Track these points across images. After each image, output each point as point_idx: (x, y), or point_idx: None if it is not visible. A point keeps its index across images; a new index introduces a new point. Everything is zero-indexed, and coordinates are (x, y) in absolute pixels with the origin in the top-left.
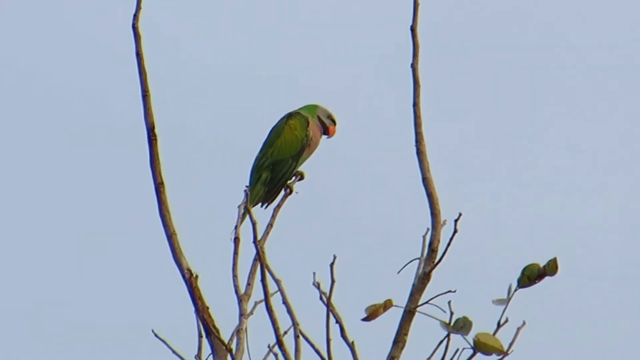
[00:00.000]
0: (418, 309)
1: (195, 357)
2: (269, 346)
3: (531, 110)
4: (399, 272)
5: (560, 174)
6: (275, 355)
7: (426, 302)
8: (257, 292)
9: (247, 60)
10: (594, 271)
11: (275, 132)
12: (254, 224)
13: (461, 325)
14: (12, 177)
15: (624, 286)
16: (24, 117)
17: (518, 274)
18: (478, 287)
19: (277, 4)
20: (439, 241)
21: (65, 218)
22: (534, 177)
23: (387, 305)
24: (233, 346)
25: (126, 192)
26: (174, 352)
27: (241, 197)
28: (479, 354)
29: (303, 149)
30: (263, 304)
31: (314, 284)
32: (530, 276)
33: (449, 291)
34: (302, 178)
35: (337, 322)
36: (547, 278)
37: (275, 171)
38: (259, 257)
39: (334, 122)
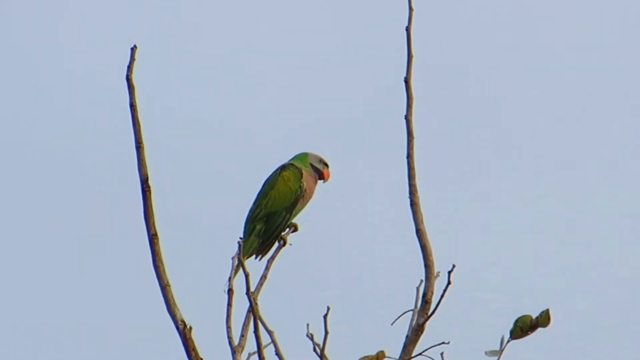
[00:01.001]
0: None
1: None
2: None
3: (523, 159)
4: (392, 324)
5: (553, 222)
6: None
7: (420, 354)
8: (250, 344)
9: (239, 112)
10: (587, 321)
11: (269, 184)
12: (247, 276)
13: None
14: (9, 226)
15: (620, 335)
16: (16, 169)
17: (511, 326)
18: (471, 338)
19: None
20: (432, 293)
21: (60, 269)
22: (528, 228)
23: (380, 356)
24: None
25: (120, 244)
26: None
27: (235, 248)
28: None
29: (297, 200)
30: (256, 355)
31: (307, 335)
32: (523, 328)
33: (443, 342)
34: (295, 230)
35: None
36: (539, 329)
37: (269, 223)
38: (252, 309)
39: (326, 165)
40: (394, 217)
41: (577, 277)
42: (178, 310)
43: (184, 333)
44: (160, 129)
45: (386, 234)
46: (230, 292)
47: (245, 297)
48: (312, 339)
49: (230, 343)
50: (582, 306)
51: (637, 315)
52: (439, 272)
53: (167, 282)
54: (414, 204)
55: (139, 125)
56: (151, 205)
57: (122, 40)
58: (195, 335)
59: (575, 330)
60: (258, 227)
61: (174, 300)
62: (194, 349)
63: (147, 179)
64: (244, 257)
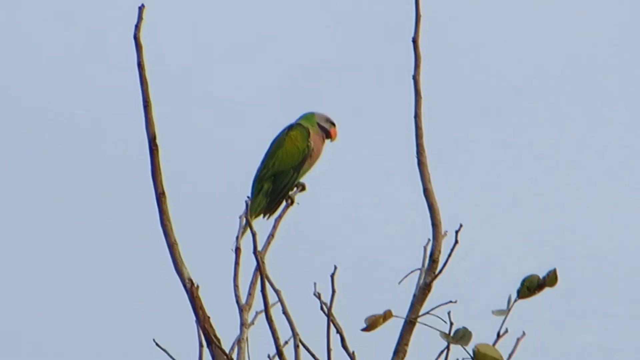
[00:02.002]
0: (418, 319)
1: None
2: (269, 356)
3: (536, 117)
4: (400, 283)
5: (563, 184)
6: None
7: (426, 313)
8: (257, 302)
9: (251, 68)
10: (594, 282)
11: (277, 144)
12: (254, 235)
13: (461, 336)
14: (12, 181)
15: (626, 297)
16: (20, 127)
17: (518, 285)
18: (478, 298)
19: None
20: (439, 252)
21: (67, 228)
22: (536, 188)
23: (386, 316)
24: (234, 356)
25: (128, 203)
26: None
27: (242, 207)
28: None
29: (304, 160)
30: (263, 314)
31: (314, 294)
32: (530, 287)
33: (450, 302)
34: (303, 189)
35: (337, 332)
36: (546, 289)
37: (276, 182)
38: (259, 268)
39: (333, 124)
40: (401, 177)
41: (587, 236)
42: (185, 268)
43: (192, 291)
44: (167, 87)
45: (393, 193)
46: (237, 250)
47: (253, 256)
48: (319, 298)
49: (237, 301)
50: (589, 267)
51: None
52: (447, 231)
53: (175, 241)
54: (421, 164)
55: (147, 84)
56: (159, 164)
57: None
58: (202, 294)
59: (582, 289)
60: (266, 186)
61: (181, 258)
62: (201, 307)
63: (154, 137)
64: (251, 217)
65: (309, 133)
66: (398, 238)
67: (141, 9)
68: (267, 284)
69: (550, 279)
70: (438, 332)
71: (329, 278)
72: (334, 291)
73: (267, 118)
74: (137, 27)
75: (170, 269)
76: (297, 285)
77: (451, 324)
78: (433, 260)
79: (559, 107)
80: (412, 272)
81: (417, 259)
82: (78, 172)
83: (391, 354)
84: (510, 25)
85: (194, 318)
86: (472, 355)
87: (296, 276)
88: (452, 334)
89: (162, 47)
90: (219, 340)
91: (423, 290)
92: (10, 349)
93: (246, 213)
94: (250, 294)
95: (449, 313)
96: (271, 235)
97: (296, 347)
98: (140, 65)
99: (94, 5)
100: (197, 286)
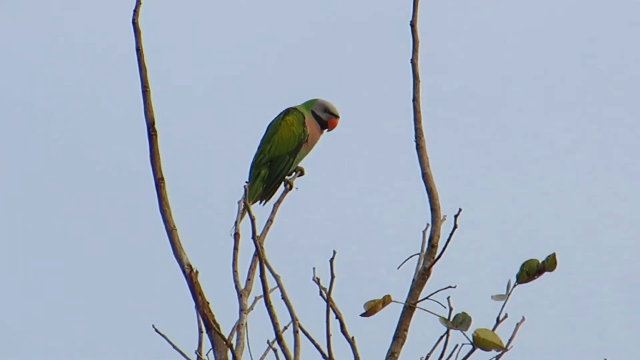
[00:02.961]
0: (418, 304)
1: (196, 353)
2: (268, 342)
3: (535, 105)
4: (398, 268)
5: (561, 168)
6: (275, 350)
7: (426, 298)
8: (257, 288)
9: (249, 55)
10: (593, 267)
11: (272, 129)
12: (252, 220)
13: (460, 321)
14: (12, 166)
15: (624, 282)
16: (19, 114)
17: (517, 270)
18: (477, 282)
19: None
20: (438, 237)
21: (67, 215)
22: (535, 173)
23: (385, 301)
24: (233, 341)
25: (126, 188)
26: (174, 347)
27: (241, 192)
28: (478, 350)
29: (300, 145)
30: (262, 299)
31: (313, 279)
32: (529, 272)
33: (449, 287)
34: (302, 174)
35: (337, 317)
36: (546, 274)
37: (272, 168)
38: (258, 253)
39: (334, 115)
40: (399, 161)
41: (587, 222)
42: (184, 254)
43: (191, 277)
44: (166, 73)
45: (392, 177)
46: (236, 236)
47: (252, 241)
48: (318, 283)
49: (236, 287)
50: (590, 251)
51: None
52: (445, 215)
53: (174, 226)
54: (419, 148)
55: (145, 70)
56: (157, 149)
57: None
58: (201, 279)
59: (582, 275)
60: (262, 172)
61: (180, 244)
62: (201, 293)
63: (153, 123)
64: (249, 202)
65: (304, 118)
66: (397, 223)
67: None
68: (266, 269)
69: (550, 264)
70: (437, 317)
71: (328, 263)
72: (333, 276)
73: (264, 101)
74: (136, 12)
75: (170, 254)
76: (296, 271)
77: (450, 309)
78: (432, 245)
79: (559, 92)
80: (411, 257)
81: (416, 244)
82: (77, 159)
83: (390, 339)
84: (511, 9)
85: (193, 303)
86: (471, 340)
87: (295, 261)
88: (451, 319)
89: (157, 34)
90: (218, 325)
91: (422, 275)
92: (10, 336)
93: (245, 198)
94: (249, 279)
95: (448, 298)
96: (270, 220)
97: (295, 332)
98: (139, 50)
99: None
100: (196, 272)
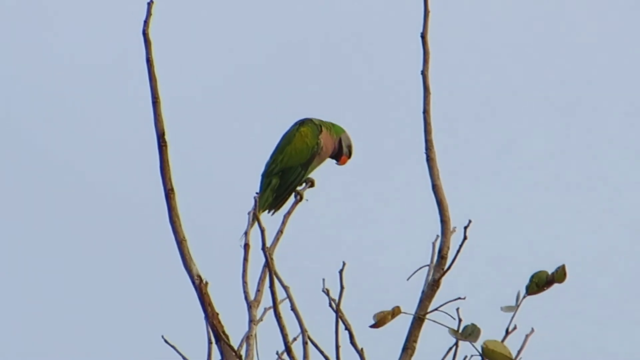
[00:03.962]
0: (427, 315)
1: None
2: (277, 353)
3: (546, 117)
4: (408, 279)
5: (572, 181)
6: None
7: (435, 309)
8: (266, 299)
9: (260, 63)
10: (603, 279)
11: (286, 139)
12: (262, 231)
13: (470, 333)
14: (18, 175)
15: (634, 294)
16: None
17: (527, 282)
18: (487, 294)
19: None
20: (448, 248)
21: (77, 226)
22: (546, 185)
23: (395, 312)
24: (242, 352)
25: (136, 199)
26: (183, 358)
27: (251, 203)
28: None
29: (313, 157)
30: (272, 310)
31: (323, 290)
32: (539, 283)
33: (458, 298)
34: (312, 185)
35: (346, 328)
36: (555, 285)
37: (284, 178)
38: (268, 264)
39: (350, 153)
40: (409, 173)
41: (597, 234)
42: (194, 265)
43: (200, 288)
44: (176, 84)
45: (402, 189)
46: (246, 247)
47: (261, 252)
48: (327, 294)
49: (246, 298)
50: (600, 261)
51: None
52: (455, 227)
53: (183, 237)
54: (430, 159)
55: (155, 81)
56: (167, 160)
57: None
58: (211, 290)
59: (591, 287)
60: (274, 181)
61: (190, 255)
62: (210, 304)
63: (163, 134)
64: (259, 212)
65: (320, 130)
66: (407, 234)
67: (150, 4)
68: (276, 281)
69: (559, 275)
70: (447, 329)
71: (338, 274)
72: (342, 287)
73: (275, 111)
74: (146, 23)
75: (179, 265)
76: (306, 282)
77: (460, 320)
78: (442, 256)
79: (568, 102)
80: (420, 268)
81: (425, 256)
82: (87, 168)
83: (400, 351)
84: (520, 21)
85: (202, 314)
86: (480, 351)
87: (305, 272)
88: (460, 330)
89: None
90: (227, 336)
91: (432, 287)
92: (15, 347)
93: (255, 209)
94: (258, 290)
95: (457, 309)
96: (280, 232)
97: (305, 343)
98: (149, 61)
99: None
100: (206, 282)
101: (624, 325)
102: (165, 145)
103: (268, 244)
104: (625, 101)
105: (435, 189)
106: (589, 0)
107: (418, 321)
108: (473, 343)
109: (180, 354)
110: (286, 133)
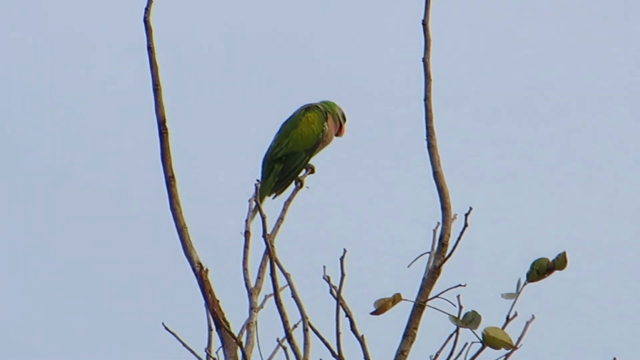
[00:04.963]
0: (428, 303)
1: (205, 351)
2: (278, 340)
3: (546, 105)
4: (409, 266)
5: (573, 167)
6: (285, 348)
7: (436, 296)
8: (267, 286)
9: (259, 51)
10: (603, 266)
11: (291, 124)
12: (263, 218)
13: (470, 320)
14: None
15: (634, 281)
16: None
17: (527, 269)
18: (487, 281)
19: None
20: (449, 235)
21: (77, 212)
22: (546, 172)
23: (396, 299)
24: (243, 339)
25: (137, 186)
26: (184, 345)
27: (252, 190)
28: (487, 348)
29: (318, 143)
30: (272, 297)
31: (324, 277)
32: (540, 270)
33: (459, 285)
34: (312, 172)
35: (346, 315)
36: (556, 272)
37: (287, 163)
38: (269, 251)
39: (344, 120)
40: (410, 160)
41: (598, 219)
42: (195, 252)
43: (201, 275)
44: (177, 70)
45: (403, 176)
46: (246, 234)
47: (262, 239)
48: (328, 281)
49: (246, 285)
50: (600, 250)
51: None
52: (456, 214)
53: (184, 225)
54: (431, 147)
55: (157, 68)
56: (168, 147)
57: None
58: (211, 277)
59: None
60: (276, 166)
61: (190, 242)
62: (211, 291)
63: (164, 121)
64: (261, 198)
65: (326, 117)
66: (407, 221)
67: None
68: (277, 268)
69: (560, 262)
70: (447, 316)
71: (339, 261)
72: (343, 275)
73: (275, 98)
74: (147, 10)
75: (180, 252)
76: (306, 269)
77: (460, 307)
78: (442, 243)
79: (572, 91)
80: (421, 255)
81: (426, 243)
82: (87, 156)
83: (400, 338)
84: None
85: (203, 302)
86: (481, 339)
87: (305, 259)
88: (461, 317)
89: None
90: (228, 323)
91: (432, 274)
92: (21, 335)
93: (255, 196)
94: (259, 278)
95: (458, 296)
96: (280, 219)
97: (305, 330)
98: (150, 49)
99: None
100: (207, 270)
101: (624, 314)
102: (166, 133)
103: (269, 231)
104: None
105: (436, 176)
106: None
107: (419, 308)
108: (474, 330)
109: (181, 341)
110: (290, 118)
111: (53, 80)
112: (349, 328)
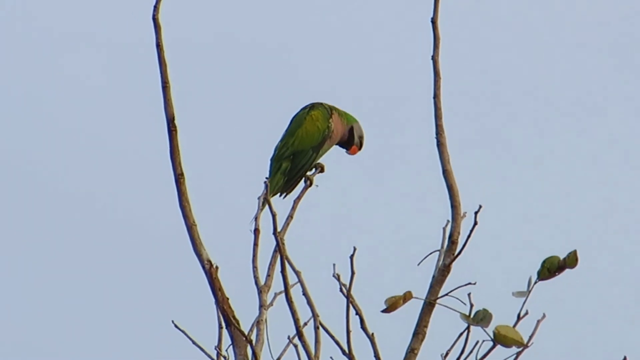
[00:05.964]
0: (438, 301)
1: (215, 348)
2: (288, 337)
3: (557, 102)
4: (419, 264)
5: (583, 165)
6: (295, 346)
7: (446, 294)
8: (277, 284)
9: (269, 48)
10: (614, 264)
11: (297, 122)
12: (273, 216)
13: (481, 318)
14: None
15: None
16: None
17: (538, 267)
18: (498, 279)
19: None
20: (459, 233)
21: (87, 211)
22: (557, 171)
23: (406, 297)
24: (253, 337)
25: (146, 183)
26: (193, 342)
27: (261, 188)
28: (498, 347)
29: (324, 140)
30: (283, 295)
31: (334, 275)
32: (550, 269)
33: (469, 283)
34: (322, 170)
35: (357, 313)
36: (567, 270)
37: (295, 161)
38: (279, 249)
39: (361, 144)
40: (420, 158)
41: (610, 217)
42: (204, 250)
43: (210, 272)
44: (186, 66)
45: (412, 174)
46: (256, 231)
47: (272, 236)
48: (338, 279)
49: (256, 282)
50: (611, 248)
51: None
52: (466, 212)
53: (193, 222)
54: (440, 144)
55: (165, 65)
56: (177, 144)
57: None
58: (221, 275)
59: (604, 272)
60: (284, 165)
61: (200, 240)
62: (220, 289)
63: (173, 118)
64: (269, 196)
65: (330, 114)
66: (417, 219)
67: None
68: (287, 265)
69: (571, 260)
70: (458, 314)
71: (349, 259)
72: (353, 272)
73: (284, 94)
74: (156, 7)
75: (189, 250)
76: (317, 267)
77: (471, 305)
78: (452, 241)
79: (584, 88)
80: (431, 253)
81: (436, 241)
82: (98, 154)
83: (410, 336)
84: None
85: (212, 299)
86: (492, 337)
87: (315, 257)
88: (472, 315)
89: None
90: (237, 321)
91: (442, 272)
92: (33, 332)
93: (265, 194)
94: (269, 275)
95: (468, 294)
96: (290, 216)
97: (316, 328)
98: (159, 46)
99: None
100: (216, 267)
101: (635, 313)
102: (175, 130)
103: (279, 229)
104: None
105: (446, 173)
106: None
107: (429, 306)
108: (484, 328)
109: (191, 339)
110: (295, 116)
111: (56, 78)
112: (359, 326)
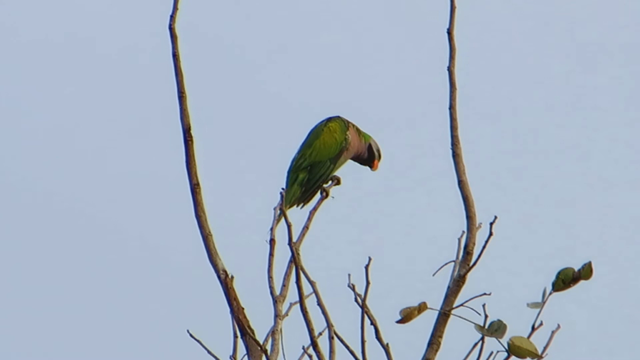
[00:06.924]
0: (453, 311)
1: (230, 358)
2: (303, 347)
3: (569, 112)
4: (434, 275)
5: (597, 177)
6: (310, 356)
7: (461, 305)
8: (292, 294)
9: (288, 61)
10: (629, 276)
11: (314, 134)
12: (289, 226)
13: (496, 329)
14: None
15: None
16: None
17: (553, 278)
18: (513, 290)
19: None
20: (474, 244)
21: (102, 219)
22: (572, 181)
23: (421, 308)
24: (268, 347)
25: (162, 194)
26: (209, 352)
27: (277, 198)
28: (512, 357)
29: (341, 152)
30: (298, 305)
31: (349, 285)
32: (565, 280)
33: (484, 294)
34: (338, 183)
35: (371, 324)
36: (582, 282)
37: (312, 172)
38: (294, 259)
39: (380, 156)
40: (435, 169)
41: (625, 229)
42: (220, 259)
43: (226, 282)
44: (202, 76)
45: (428, 185)
46: (272, 242)
47: (287, 247)
48: (353, 289)
49: (271, 293)
50: (626, 259)
51: None
52: (481, 223)
53: (209, 232)
54: (456, 155)
55: (182, 75)
56: (193, 154)
57: None
58: (236, 285)
59: (619, 283)
60: (301, 176)
61: (215, 249)
62: (236, 299)
63: (189, 128)
64: (286, 207)
65: (347, 126)
66: (432, 230)
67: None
68: (302, 276)
69: (586, 272)
70: (472, 325)
71: (364, 270)
72: (368, 283)
73: (302, 107)
74: (172, 17)
75: (205, 260)
76: (332, 277)
77: (486, 316)
78: (467, 252)
79: (597, 96)
80: (446, 264)
81: (451, 251)
82: (114, 166)
83: (425, 346)
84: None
85: (228, 309)
86: (506, 348)
87: (330, 268)
88: (486, 326)
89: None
90: (253, 331)
91: (457, 283)
92: (47, 338)
93: (281, 204)
94: (284, 285)
95: (483, 305)
96: (306, 227)
97: (331, 338)
98: (175, 56)
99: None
100: (232, 277)
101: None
102: (192, 140)
103: (294, 239)
104: None
105: (461, 184)
106: None
107: (443, 317)
108: (499, 339)
109: (206, 348)
110: (313, 129)
111: (73, 87)
112: (374, 336)
